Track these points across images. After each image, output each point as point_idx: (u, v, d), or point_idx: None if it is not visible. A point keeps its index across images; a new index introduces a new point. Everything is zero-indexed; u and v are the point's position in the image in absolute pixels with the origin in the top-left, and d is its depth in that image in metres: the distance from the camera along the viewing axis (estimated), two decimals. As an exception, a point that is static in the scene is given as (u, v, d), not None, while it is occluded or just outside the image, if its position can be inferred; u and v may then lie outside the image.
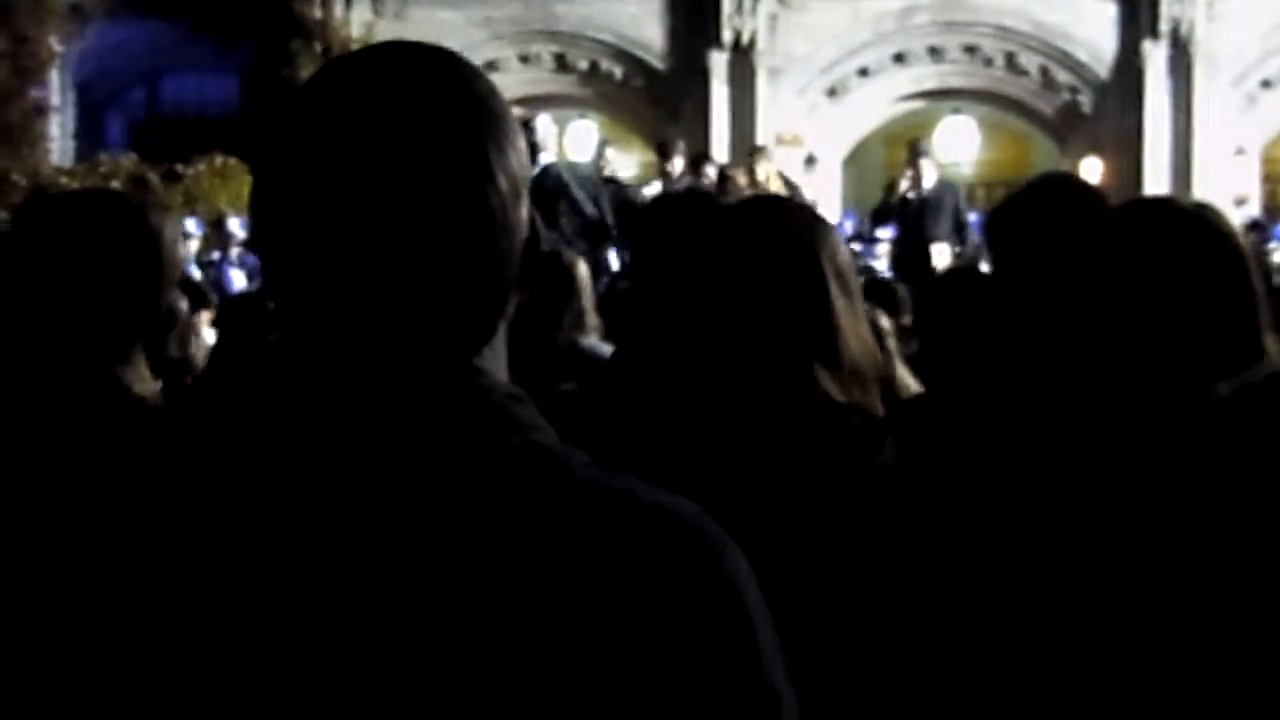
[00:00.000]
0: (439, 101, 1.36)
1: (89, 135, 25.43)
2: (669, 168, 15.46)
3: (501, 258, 1.37)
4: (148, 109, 27.41)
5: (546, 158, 13.53)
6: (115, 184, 19.17)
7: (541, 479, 1.30)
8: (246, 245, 15.52)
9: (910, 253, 14.54)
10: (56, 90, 24.27)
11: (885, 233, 15.69)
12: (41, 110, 23.42)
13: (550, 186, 13.28)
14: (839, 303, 2.52)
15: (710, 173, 15.71)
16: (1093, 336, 2.58)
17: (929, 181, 15.22)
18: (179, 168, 19.34)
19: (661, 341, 3.06)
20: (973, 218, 15.08)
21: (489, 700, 1.23)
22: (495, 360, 1.39)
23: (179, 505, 1.32)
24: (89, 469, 1.38)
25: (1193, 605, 1.82)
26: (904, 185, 15.61)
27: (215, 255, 16.55)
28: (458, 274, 1.34)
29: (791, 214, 2.64)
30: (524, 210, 1.40)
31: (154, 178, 19.42)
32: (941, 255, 14.24)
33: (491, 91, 1.41)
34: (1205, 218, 2.60)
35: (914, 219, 15.04)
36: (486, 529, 1.27)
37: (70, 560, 1.33)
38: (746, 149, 18.02)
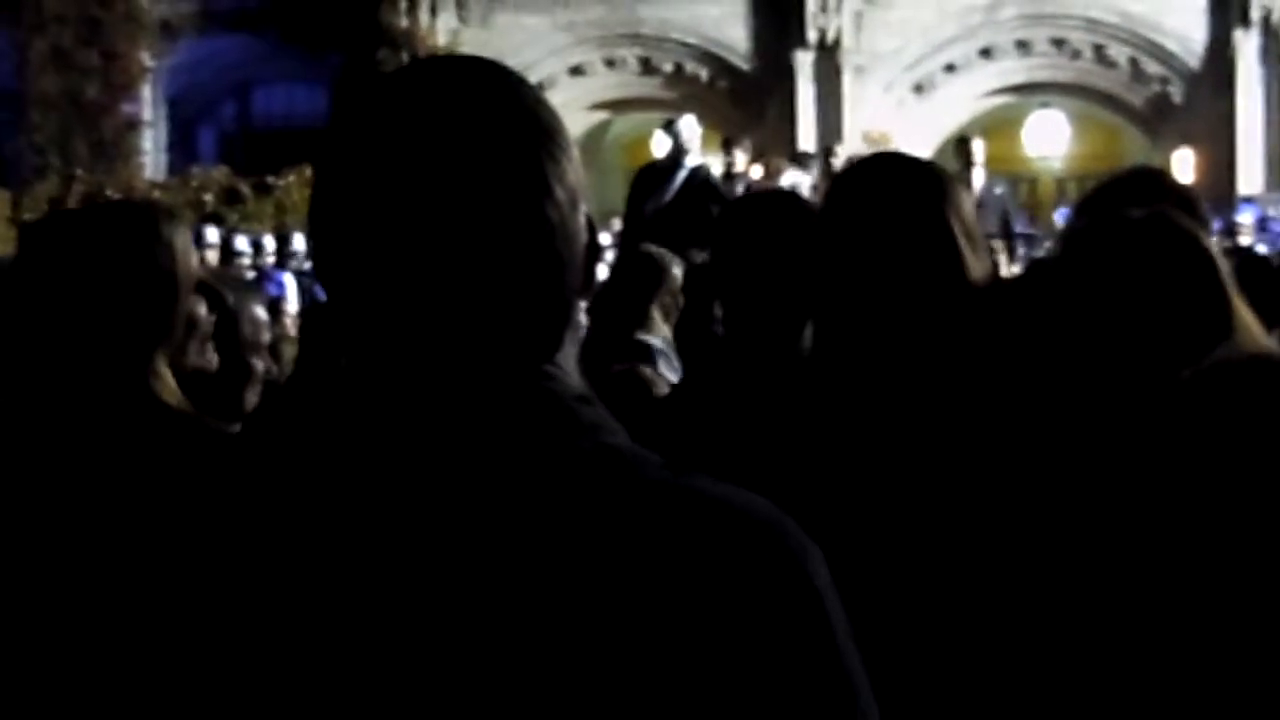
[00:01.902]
0: (492, 116, 1.36)
1: (181, 149, 25.73)
2: (734, 164, 15.42)
3: (562, 266, 1.37)
4: (238, 121, 27.71)
5: (693, 159, 13.60)
6: (207, 197, 19.43)
7: (612, 480, 1.30)
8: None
9: None
10: (148, 105, 24.61)
11: None
12: (134, 125, 23.76)
13: (700, 188, 13.36)
14: (969, 258, 2.53)
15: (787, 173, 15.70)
16: (1076, 331, 2.62)
17: (977, 183, 15.09)
18: (270, 179, 19.51)
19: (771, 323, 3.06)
20: (1062, 212, 14.88)
21: (567, 701, 1.23)
22: (565, 365, 1.39)
23: (247, 517, 1.34)
24: (139, 479, 1.40)
25: (1163, 582, 1.81)
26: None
27: (308, 265, 16.68)
28: (520, 284, 1.35)
29: (918, 170, 2.65)
30: (582, 218, 1.40)
31: (245, 189, 19.61)
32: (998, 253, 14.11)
33: (542, 104, 1.41)
34: (1167, 221, 2.70)
35: None
36: (559, 531, 1.27)
37: (128, 571, 1.35)
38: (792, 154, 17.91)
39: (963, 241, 2.54)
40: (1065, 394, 2.67)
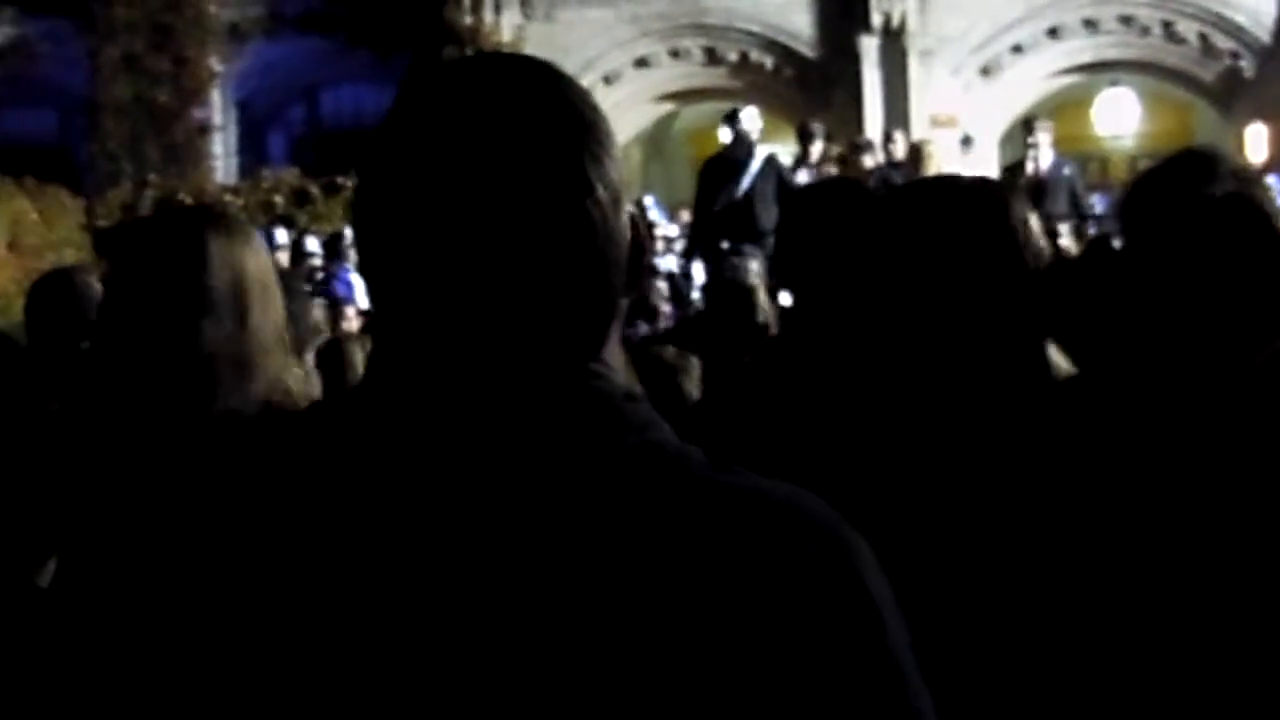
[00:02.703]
0: (534, 113, 1.37)
1: (251, 151, 25.90)
2: (811, 152, 15.37)
3: (606, 264, 1.38)
4: (307, 123, 27.86)
5: (762, 150, 13.67)
6: (277, 199, 19.53)
7: (658, 477, 1.30)
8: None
9: None
10: (218, 109, 24.78)
11: None
12: (204, 129, 23.93)
13: (774, 178, 13.44)
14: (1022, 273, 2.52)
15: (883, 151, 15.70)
16: (1147, 312, 2.60)
17: (1044, 163, 14.91)
18: (339, 180, 19.60)
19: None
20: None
21: (615, 698, 1.24)
22: (612, 363, 1.39)
23: (294, 511, 1.34)
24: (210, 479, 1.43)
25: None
26: (1029, 166, 15.25)
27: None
28: (564, 282, 1.35)
29: (974, 190, 2.64)
30: (625, 217, 1.40)
31: (315, 190, 19.71)
32: (1063, 235, 13.97)
33: (586, 101, 1.41)
34: (1243, 197, 2.66)
35: (1032, 199, 14.72)
36: (606, 528, 1.27)
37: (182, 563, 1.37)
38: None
39: (1025, 254, 2.52)
40: (1135, 376, 2.66)
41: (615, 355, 1.41)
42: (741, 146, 13.88)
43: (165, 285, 2.71)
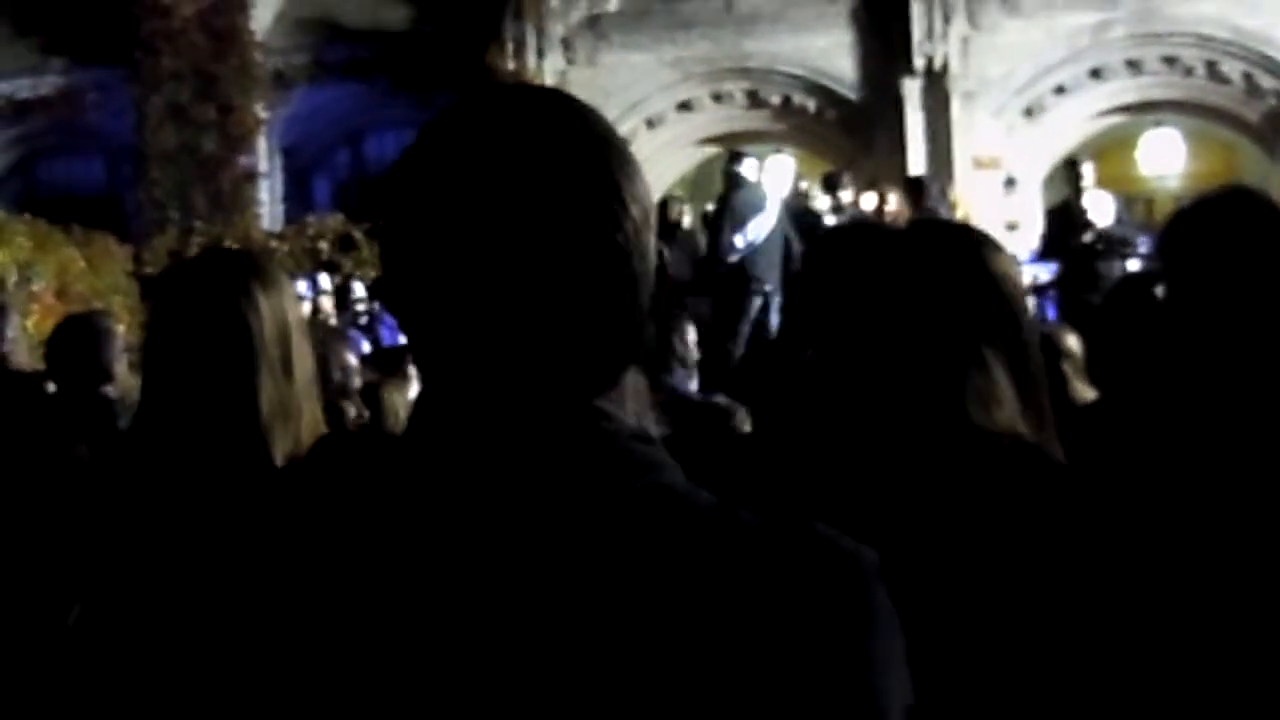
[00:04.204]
0: (565, 136, 1.37)
1: (297, 198, 26.07)
2: (840, 199, 15.43)
3: (631, 293, 1.38)
4: (352, 169, 28.01)
5: (775, 196, 13.78)
6: (323, 244, 19.67)
7: (668, 518, 1.30)
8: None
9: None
10: (264, 156, 24.97)
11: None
12: (250, 176, 24.13)
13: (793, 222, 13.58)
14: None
15: (891, 199, 15.67)
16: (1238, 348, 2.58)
17: (1089, 205, 14.88)
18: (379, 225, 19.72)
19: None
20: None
21: None
22: (623, 399, 1.39)
23: (304, 556, 1.35)
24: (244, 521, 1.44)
25: None
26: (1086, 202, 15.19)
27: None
28: (590, 311, 1.35)
29: (957, 237, 2.64)
30: (650, 248, 1.40)
31: (360, 235, 19.83)
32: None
33: (611, 131, 1.42)
34: None
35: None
36: (615, 570, 1.27)
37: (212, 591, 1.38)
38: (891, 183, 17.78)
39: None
40: (1176, 404, 2.65)
41: (631, 390, 1.41)
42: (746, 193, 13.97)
43: (220, 339, 2.75)
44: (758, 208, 13.79)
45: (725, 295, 13.34)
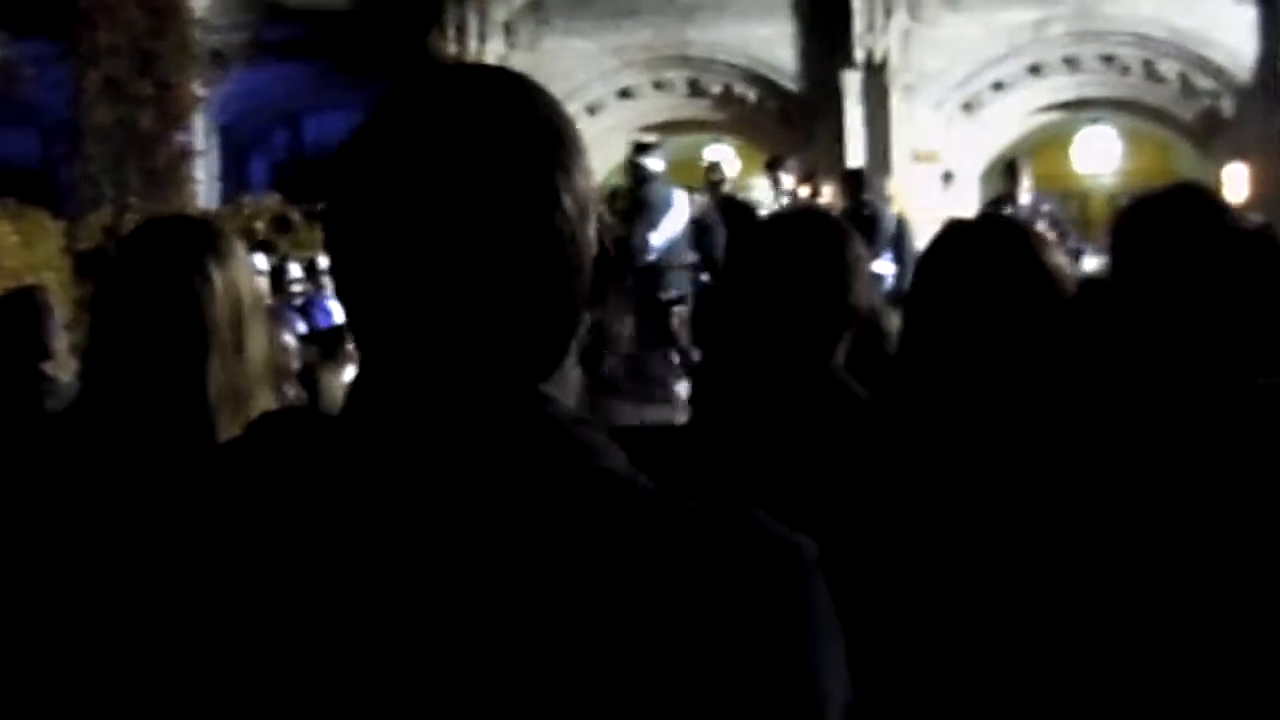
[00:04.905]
0: (504, 124, 1.36)
1: (234, 177, 25.88)
2: (781, 183, 15.37)
3: (572, 275, 1.38)
4: (290, 149, 27.84)
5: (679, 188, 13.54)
6: (259, 225, 19.53)
7: (609, 500, 1.30)
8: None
9: None
10: (201, 134, 24.74)
11: None
12: (187, 154, 23.88)
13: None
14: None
15: (825, 190, 15.68)
16: (1155, 336, 2.62)
17: (1024, 202, 15.02)
18: (320, 206, 19.60)
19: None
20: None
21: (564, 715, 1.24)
22: (564, 383, 1.39)
23: (240, 541, 1.34)
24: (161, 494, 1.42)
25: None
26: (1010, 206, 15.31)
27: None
28: (529, 294, 1.35)
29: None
30: (591, 229, 1.40)
31: (297, 217, 19.70)
32: None
33: (556, 112, 1.41)
34: (1266, 235, 2.70)
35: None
36: (559, 553, 1.27)
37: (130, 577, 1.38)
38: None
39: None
40: (1139, 402, 2.68)
41: (570, 375, 1.41)
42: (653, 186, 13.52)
43: (167, 316, 2.61)
44: (669, 203, 13.38)
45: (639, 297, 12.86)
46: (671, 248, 13.22)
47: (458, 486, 1.29)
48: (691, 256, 13.40)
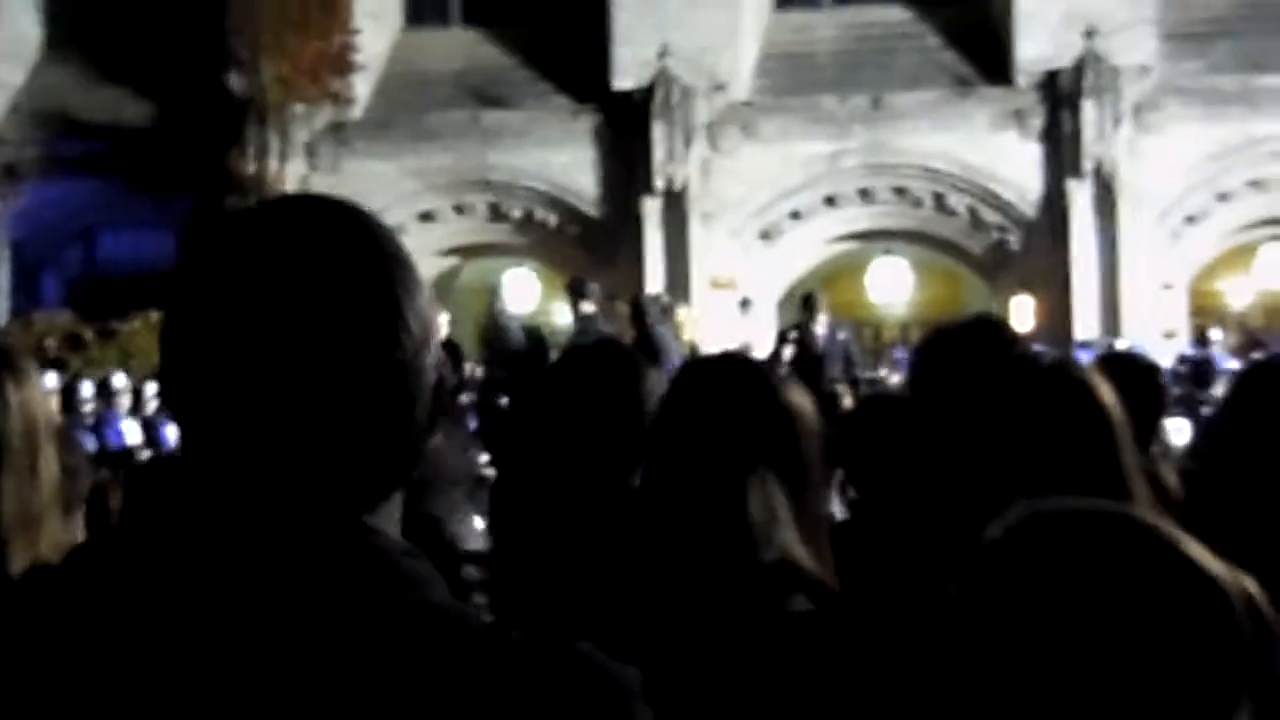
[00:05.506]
0: (350, 251, 1.36)
1: (25, 293, 25.32)
2: (582, 308, 15.49)
3: (413, 404, 1.37)
4: (84, 266, 27.33)
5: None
6: (50, 342, 19.12)
7: (437, 635, 1.29)
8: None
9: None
10: (-10, 249, 24.24)
11: None
12: (-26, 270, 23.37)
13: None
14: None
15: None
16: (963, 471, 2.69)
17: (820, 332, 15.44)
18: (114, 324, 19.26)
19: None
20: (900, 350, 15.16)
21: None
22: (391, 515, 1.38)
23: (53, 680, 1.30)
24: None
25: None
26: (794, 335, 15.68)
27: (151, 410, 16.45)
28: (368, 421, 1.34)
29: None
30: (431, 356, 1.39)
31: (89, 335, 19.34)
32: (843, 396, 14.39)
33: (396, 242, 1.42)
34: (1064, 369, 2.78)
35: (813, 369, 15.04)
36: (383, 687, 1.25)
37: None
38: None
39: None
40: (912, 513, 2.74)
41: (397, 506, 1.40)
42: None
43: None
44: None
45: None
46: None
47: (275, 622, 1.27)
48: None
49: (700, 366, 2.97)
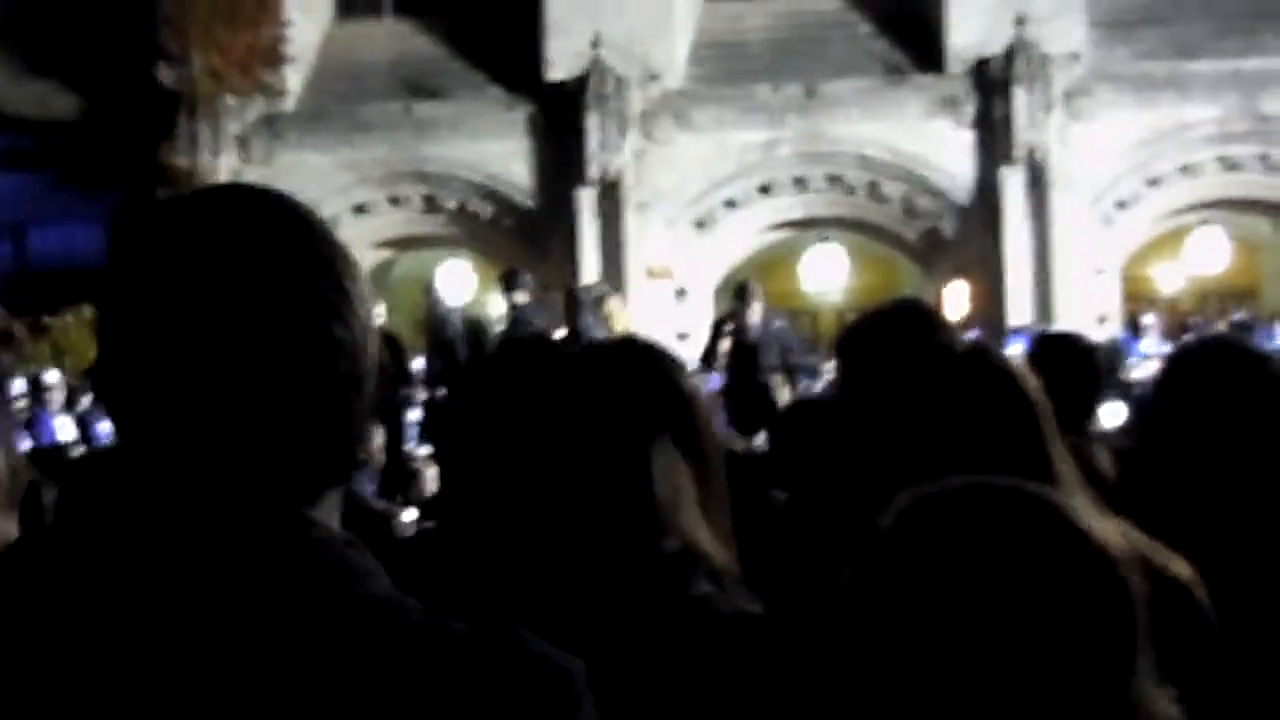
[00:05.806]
0: (287, 242, 1.36)
1: (-47, 290, 25.09)
2: (515, 299, 15.46)
3: (353, 395, 1.37)
4: (15, 261, 27.07)
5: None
6: (-20, 338, 18.93)
7: (380, 627, 1.29)
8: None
9: (745, 391, 14.55)
10: (-82, 246, 23.99)
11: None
12: (-96, 266, 23.13)
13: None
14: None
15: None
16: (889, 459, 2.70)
17: (754, 320, 15.38)
18: (46, 320, 19.10)
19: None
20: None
21: None
22: (333, 507, 1.38)
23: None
24: None
25: None
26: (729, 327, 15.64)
27: (84, 405, 16.33)
28: (312, 414, 1.34)
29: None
30: (371, 347, 1.39)
31: (20, 331, 19.17)
32: (778, 389, 14.42)
33: (327, 229, 1.42)
34: (981, 354, 2.80)
35: (747, 358, 15.06)
36: (325, 681, 1.26)
37: None
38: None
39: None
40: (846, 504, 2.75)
41: (337, 499, 1.40)
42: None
43: None
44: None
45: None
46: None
47: (216, 616, 1.27)
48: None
49: (597, 351, 2.96)
